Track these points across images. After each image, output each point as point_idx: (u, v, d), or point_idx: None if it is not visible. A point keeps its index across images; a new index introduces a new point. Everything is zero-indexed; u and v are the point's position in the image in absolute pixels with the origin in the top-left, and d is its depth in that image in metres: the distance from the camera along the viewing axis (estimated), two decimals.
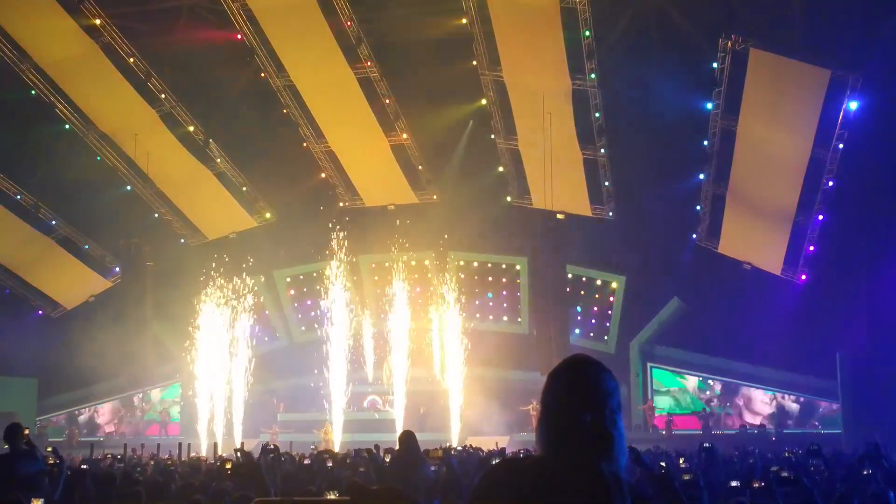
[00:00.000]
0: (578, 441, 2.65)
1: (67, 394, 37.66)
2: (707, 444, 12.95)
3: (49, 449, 10.59)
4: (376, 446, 13.14)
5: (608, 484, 2.55)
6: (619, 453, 2.68)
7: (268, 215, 37.02)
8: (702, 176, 31.42)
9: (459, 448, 20.92)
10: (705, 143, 30.22)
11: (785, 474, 6.91)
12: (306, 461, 13.59)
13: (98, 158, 33.40)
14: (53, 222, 34.54)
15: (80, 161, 33.12)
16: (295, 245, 36.67)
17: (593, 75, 29.08)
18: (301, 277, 38.50)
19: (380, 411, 34.25)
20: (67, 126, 32.24)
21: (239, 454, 13.26)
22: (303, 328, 38.60)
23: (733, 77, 27.91)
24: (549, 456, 2.67)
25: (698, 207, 32.36)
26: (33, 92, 30.74)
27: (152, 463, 17.03)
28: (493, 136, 33.17)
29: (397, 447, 10.13)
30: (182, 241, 37.40)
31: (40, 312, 36.98)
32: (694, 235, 33.11)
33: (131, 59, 30.49)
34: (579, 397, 2.70)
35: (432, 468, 9.29)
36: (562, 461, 2.63)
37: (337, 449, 25.88)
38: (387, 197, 36.22)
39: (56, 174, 33.66)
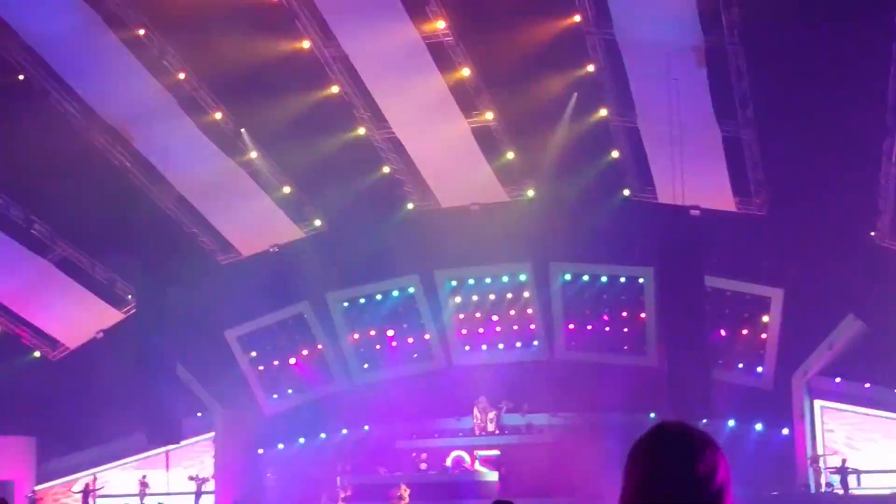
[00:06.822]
0: None
1: (73, 455, 38.15)
2: None
3: None
4: None
5: None
6: None
7: (317, 223, 37.14)
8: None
9: None
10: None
11: None
12: None
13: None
14: (50, 241, 35.04)
15: (78, 163, 33.29)
16: (353, 260, 36.76)
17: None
18: (361, 301, 38.59)
19: (467, 471, 34.47)
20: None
21: None
22: (365, 365, 38.67)
23: None
24: None
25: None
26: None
27: None
28: (603, 112, 32.83)
29: None
30: (210, 259, 37.72)
31: (38, 354, 37.60)
32: (872, 233, 32.34)
33: (140, 31, 30.47)
34: (663, 484, 2.79)
35: None
36: None
37: None
38: (468, 195, 36.11)
39: (53, 182, 33.83)
